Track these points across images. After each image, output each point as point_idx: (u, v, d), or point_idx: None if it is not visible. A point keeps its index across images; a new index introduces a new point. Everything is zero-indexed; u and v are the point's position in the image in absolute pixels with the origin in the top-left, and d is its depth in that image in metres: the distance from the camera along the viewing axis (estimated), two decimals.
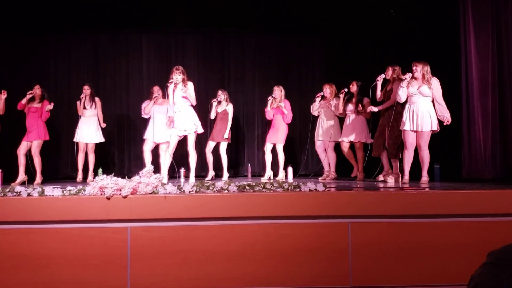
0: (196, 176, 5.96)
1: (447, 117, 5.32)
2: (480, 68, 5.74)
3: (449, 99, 5.68)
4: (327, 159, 7.02)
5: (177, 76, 5.68)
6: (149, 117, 6.77)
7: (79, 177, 6.94)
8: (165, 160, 5.82)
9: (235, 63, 8.76)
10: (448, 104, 5.43)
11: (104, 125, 7.09)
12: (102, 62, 8.56)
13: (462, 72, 5.88)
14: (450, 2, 6.17)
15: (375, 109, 6.09)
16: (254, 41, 8.79)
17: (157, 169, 6.37)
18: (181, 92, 5.70)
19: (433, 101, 5.38)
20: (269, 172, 6.99)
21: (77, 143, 6.96)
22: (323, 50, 8.72)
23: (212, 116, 7.04)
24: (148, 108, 6.68)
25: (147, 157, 6.67)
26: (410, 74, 5.39)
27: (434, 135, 5.43)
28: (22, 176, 6.37)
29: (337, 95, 6.85)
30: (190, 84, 5.78)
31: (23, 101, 6.49)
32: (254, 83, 8.65)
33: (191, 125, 5.74)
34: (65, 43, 8.49)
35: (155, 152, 6.74)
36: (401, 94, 5.42)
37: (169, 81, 5.67)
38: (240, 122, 8.68)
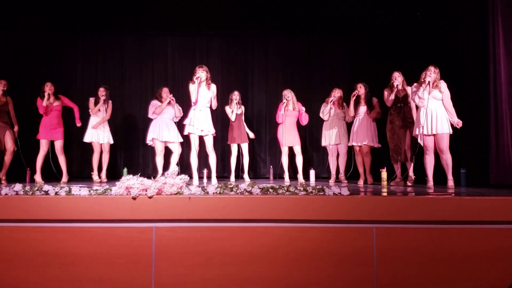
0: (218, 177, 6.00)
1: (456, 121, 5.31)
2: (509, 71, 5.61)
3: (477, 102, 5.60)
4: (332, 162, 7.02)
5: (201, 73, 5.70)
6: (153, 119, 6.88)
7: (96, 177, 7.00)
8: (192, 162, 5.85)
9: (259, 65, 8.78)
10: (476, 108, 5.37)
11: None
12: (128, 63, 8.69)
13: (491, 76, 5.77)
14: (479, 5, 6.07)
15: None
16: (278, 43, 8.80)
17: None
18: (206, 92, 5.71)
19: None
20: (287, 174, 7.01)
21: (91, 143, 7.01)
22: (347, 52, 8.67)
23: (233, 118, 7.06)
24: (160, 109, 6.78)
25: (159, 161, 6.75)
26: (429, 79, 5.34)
27: (461, 139, 5.37)
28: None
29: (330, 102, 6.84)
30: (214, 87, 5.81)
31: (44, 102, 6.46)
32: (277, 85, 8.63)
33: (210, 127, 5.77)
34: (91, 45, 8.64)
35: (167, 154, 6.83)
36: (421, 96, 5.40)
37: (195, 77, 5.68)
38: (263, 124, 8.70)
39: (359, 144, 6.54)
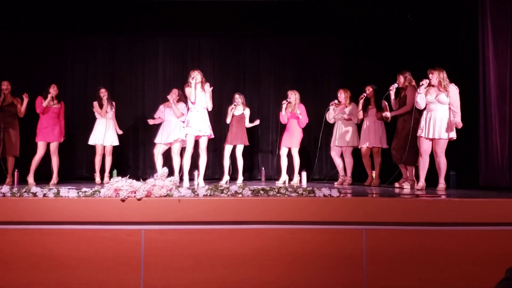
0: (210, 179, 5.99)
1: (457, 121, 5.21)
2: (498, 74, 5.63)
3: (466, 105, 5.60)
4: (342, 164, 6.92)
5: (196, 75, 5.77)
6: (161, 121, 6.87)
7: (98, 179, 6.99)
8: (185, 163, 5.86)
9: (251, 66, 8.75)
10: (465, 110, 5.35)
11: (120, 132, 7.20)
12: (119, 64, 8.62)
13: (480, 78, 5.78)
14: (469, 8, 6.09)
15: (389, 115, 6.04)
16: (270, 44, 8.77)
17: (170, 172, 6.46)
18: (201, 93, 5.77)
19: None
20: (284, 176, 7.00)
21: (95, 146, 6.99)
22: (339, 54, 8.65)
23: (228, 120, 7.07)
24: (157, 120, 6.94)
25: (158, 160, 6.74)
26: (427, 81, 5.32)
27: (450, 142, 5.37)
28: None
29: (352, 101, 6.78)
30: (208, 89, 5.85)
31: (45, 103, 6.40)
32: (269, 87, 8.64)
33: (207, 128, 5.81)
34: (82, 45, 8.56)
35: (167, 155, 6.78)
36: (420, 101, 5.36)
37: (191, 77, 5.76)
38: (255, 125, 8.67)
39: (366, 146, 6.49)
